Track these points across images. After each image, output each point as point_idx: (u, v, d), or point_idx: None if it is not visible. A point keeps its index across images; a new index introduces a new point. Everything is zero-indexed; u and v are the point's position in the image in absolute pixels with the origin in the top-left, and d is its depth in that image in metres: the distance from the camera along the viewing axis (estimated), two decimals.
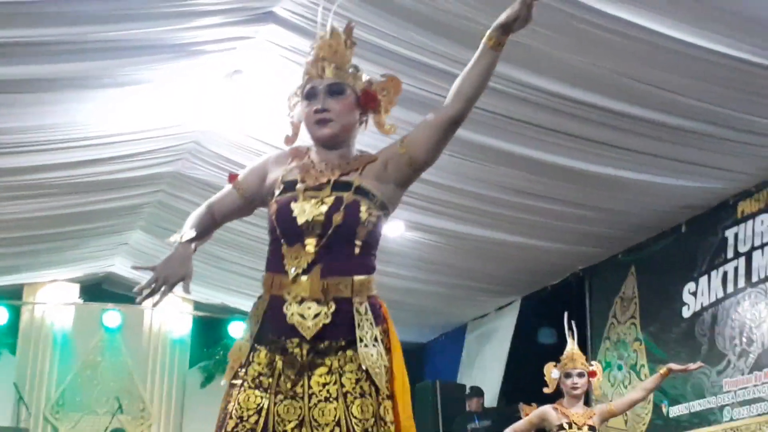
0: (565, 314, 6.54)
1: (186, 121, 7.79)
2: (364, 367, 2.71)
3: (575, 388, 6.08)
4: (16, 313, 12.05)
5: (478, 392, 10.41)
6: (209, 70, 6.87)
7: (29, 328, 12.05)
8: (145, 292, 2.75)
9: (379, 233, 2.85)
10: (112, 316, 12.05)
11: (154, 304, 2.80)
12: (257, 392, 2.74)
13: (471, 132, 7.13)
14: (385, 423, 2.70)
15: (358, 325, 2.74)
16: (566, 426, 6.04)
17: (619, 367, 9.53)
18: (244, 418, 2.72)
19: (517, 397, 8.37)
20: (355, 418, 2.68)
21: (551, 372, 6.24)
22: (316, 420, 2.70)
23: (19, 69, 6.43)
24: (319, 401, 2.71)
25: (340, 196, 2.78)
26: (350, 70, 2.91)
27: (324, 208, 2.76)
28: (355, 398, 2.70)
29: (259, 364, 2.78)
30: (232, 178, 3.04)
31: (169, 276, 2.74)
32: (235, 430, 2.71)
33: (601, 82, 6.35)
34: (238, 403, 2.74)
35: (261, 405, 2.73)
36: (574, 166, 7.48)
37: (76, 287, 12.30)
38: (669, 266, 8.98)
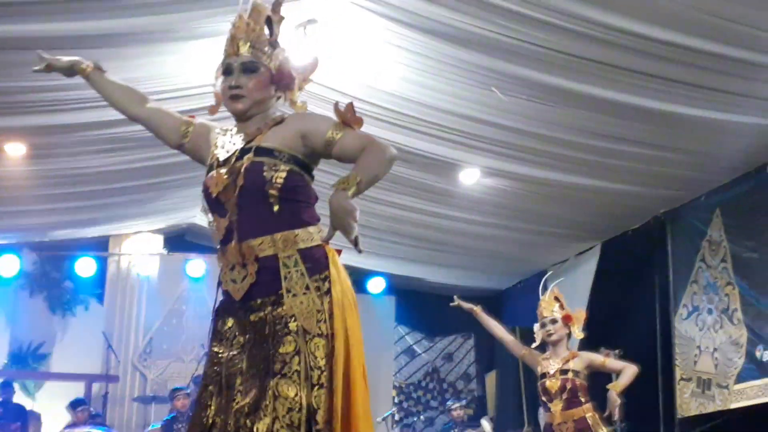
0: (547, 275, 6.78)
1: None
2: (291, 314, 2.85)
3: (549, 335, 6.24)
4: (102, 264, 12.33)
5: None
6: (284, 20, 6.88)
7: (116, 278, 12.31)
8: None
9: (298, 186, 2.98)
10: (196, 265, 12.26)
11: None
12: (216, 359, 2.98)
13: (547, 74, 7.06)
14: (315, 357, 2.82)
15: (285, 277, 2.89)
16: (541, 377, 6.20)
17: (709, 311, 9.38)
18: (205, 392, 2.97)
19: (598, 342, 8.32)
20: (279, 353, 2.82)
21: (535, 326, 6.38)
22: (249, 366, 2.89)
23: (98, 24, 6.56)
24: (252, 347, 2.91)
25: (242, 162, 2.95)
26: (266, 48, 3.07)
27: (231, 177, 2.94)
28: (282, 337, 2.84)
29: (219, 331, 3.03)
30: (191, 117, 3.32)
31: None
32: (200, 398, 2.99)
33: (680, 18, 6.19)
34: (204, 372, 3.02)
35: (218, 371, 2.96)
36: (652, 107, 7.33)
37: (160, 238, 12.52)
38: (756, 207, 8.73)
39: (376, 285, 13.18)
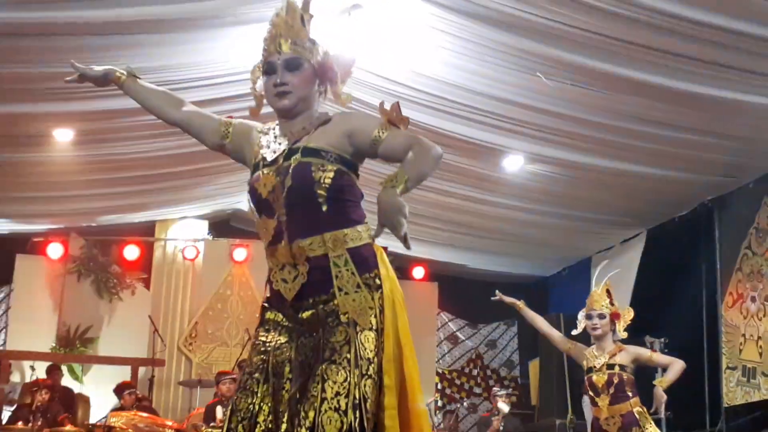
0: (602, 264, 6.69)
1: None
2: (344, 311, 2.88)
3: (594, 329, 6.17)
4: (149, 249, 12.45)
5: None
6: (328, 5, 6.90)
7: (162, 263, 12.44)
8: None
9: (345, 186, 2.98)
10: (240, 251, 12.34)
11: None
12: (263, 348, 3.01)
13: (592, 59, 7.00)
14: (364, 348, 2.85)
15: (336, 276, 2.91)
16: (588, 371, 6.14)
17: (753, 299, 9.28)
18: (250, 379, 2.98)
19: (644, 329, 8.25)
20: (329, 341, 2.86)
21: (579, 314, 6.28)
22: (298, 354, 2.94)
23: (145, 10, 6.61)
24: (301, 336, 2.96)
25: (290, 163, 2.96)
26: (307, 44, 3.06)
27: (279, 178, 2.95)
28: (333, 327, 2.88)
29: (267, 320, 3.06)
30: (230, 117, 3.30)
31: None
32: (244, 386, 2.99)
33: (730, 2, 6.11)
34: (249, 360, 3.04)
35: (264, 360, 2.98)
36: (701, 92, 7.25)
37: (205, 224, 12.62)
38: None
39: (418, 271, 13.18)
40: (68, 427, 9.08)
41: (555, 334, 6.64)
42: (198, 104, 8.52)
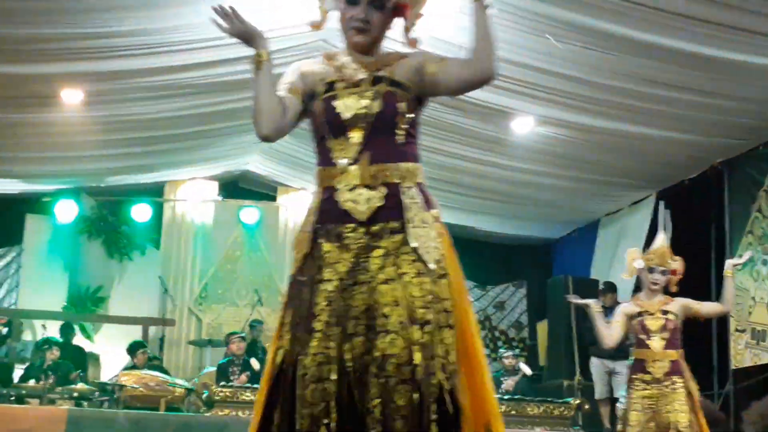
0: (660, 205, 6.47)
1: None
2: (414, 245, 2.84)
3: (655, 284, 5.99)
4: (158, 210, 12.47)
5: (611, 287, 10.27)
6: None
7: (171, 224, 12.46)
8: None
9: (418, 123, 3.00)
10: (250, 212, 12.34)
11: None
12: (322, 286, 2.85)
13: (601, 20, 6.96)
14: (441, 299, 2.81)
15: (407, 208, 2.88)
16: (640, 315, 5.98)
17: (764, 262, 9.26)
18: (316, 314, 2.83)
19: None
20: (414, 296, 2.79)
21: (634, 260, 6.12)
22: (377, 302, 2.81)
23: None
24: (378, 284, 2.83)
25: (378, 89, 2.94)
26: None
27: (365, 102, 2.93)
28: (413, 278, 2.82)
29: (320, 257, 2.90)
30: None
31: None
32: (306, 325, 2.82)
33: None
34: (307, 300, 2.86)
35: (329, 297, 2.85)
36: (711, 54, 7.19)
37: (215, 185, 12.62)
38: None
39: None
40: (80, 385, 9.17)
41: (613, 334, 6.34)
42: (211, 64, 8.50)
